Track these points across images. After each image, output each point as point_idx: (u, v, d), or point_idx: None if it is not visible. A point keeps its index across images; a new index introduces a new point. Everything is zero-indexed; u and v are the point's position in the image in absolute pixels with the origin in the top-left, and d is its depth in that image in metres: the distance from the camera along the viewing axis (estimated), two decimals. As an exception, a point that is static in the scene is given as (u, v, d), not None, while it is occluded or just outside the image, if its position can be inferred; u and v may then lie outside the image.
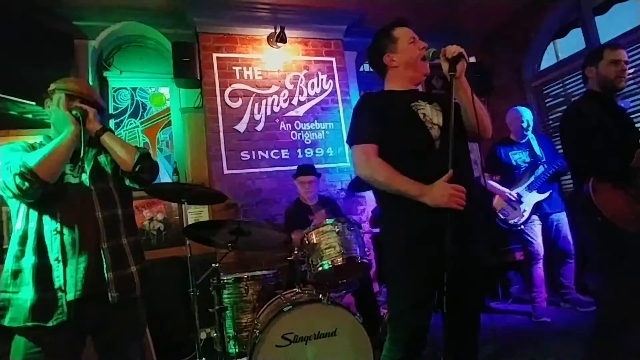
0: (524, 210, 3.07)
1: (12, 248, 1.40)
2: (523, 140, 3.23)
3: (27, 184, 1.32)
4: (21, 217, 1.41)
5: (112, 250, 1.45)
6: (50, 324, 1.32)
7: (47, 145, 1.42)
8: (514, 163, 3.18)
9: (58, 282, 1.35)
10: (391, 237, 1.54)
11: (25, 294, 1.34)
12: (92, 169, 1.50)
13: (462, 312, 1.47)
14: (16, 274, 1.37)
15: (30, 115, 3.02)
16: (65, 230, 1.39)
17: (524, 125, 3.18)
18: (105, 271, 1.41)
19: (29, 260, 1.36)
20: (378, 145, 1.55)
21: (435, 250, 1.36)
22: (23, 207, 1.42)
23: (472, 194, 1.45)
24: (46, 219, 1.40)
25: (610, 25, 3.65)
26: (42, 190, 1.36)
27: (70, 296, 1.35)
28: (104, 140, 1.51)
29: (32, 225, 1.39)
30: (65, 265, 1.37)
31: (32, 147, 1.47)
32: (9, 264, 1.39)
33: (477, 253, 1.51)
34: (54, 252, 1.37)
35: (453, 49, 1.45)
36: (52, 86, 1.53)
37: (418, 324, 1.46)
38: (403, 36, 1.62)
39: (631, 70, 3.21)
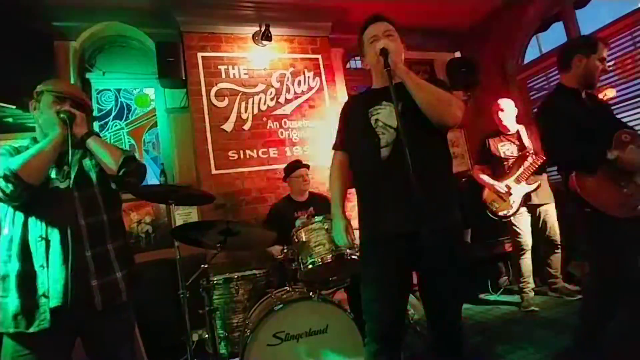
0: (513, 202, 3.11)
1: (1, 252, 1.40)
2: (510, 132, 3.27)
3: (10, 186, 1.32)
4: (8, 222, 1.42)
5: (96, 257, 1.44)
6: (31, 330, 1.32)
7: (32, 148, 1.41)
8: (502, 155, 3.22)
9: (42, 288, 1.35)
10: (361, 234, 1.62)
11: (11, 299, 1.35)
12: (76, 174, 1.48)
13: (437, 295, 1.49)
14: (4, 278, 1.38)
15: (10, 119, 2.95)
16: (51, 237, 1.39)
17: (509, 117, 3.23)
18: (89, 278, 1.41)
19: (14, 266, 1.37)
20: (346, 151, 1.68)
21: (402, 247, 1.43)
22: (10, 212, 1.42)
23: (443, 184, 1.50)
24: (32, 225, 1.40)
25: (589, 19, 3.72)
26: (28, 193, 1.35)
27: (54, 302, 1.35)
28: (89, 144, 1.49)
29: (18, 230, 1.39)
30: (50, 271, 1.36)
31: (17, 151, 1.46)
32: None
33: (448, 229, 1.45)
34: (39, 259, 1.37)
35: (377, 46, 1.45)
36: (40, 88, 1.50)
37: (386, 315, 1.50)
38: (367, 38, 1.61)
39: (611, 63, 3.29)
